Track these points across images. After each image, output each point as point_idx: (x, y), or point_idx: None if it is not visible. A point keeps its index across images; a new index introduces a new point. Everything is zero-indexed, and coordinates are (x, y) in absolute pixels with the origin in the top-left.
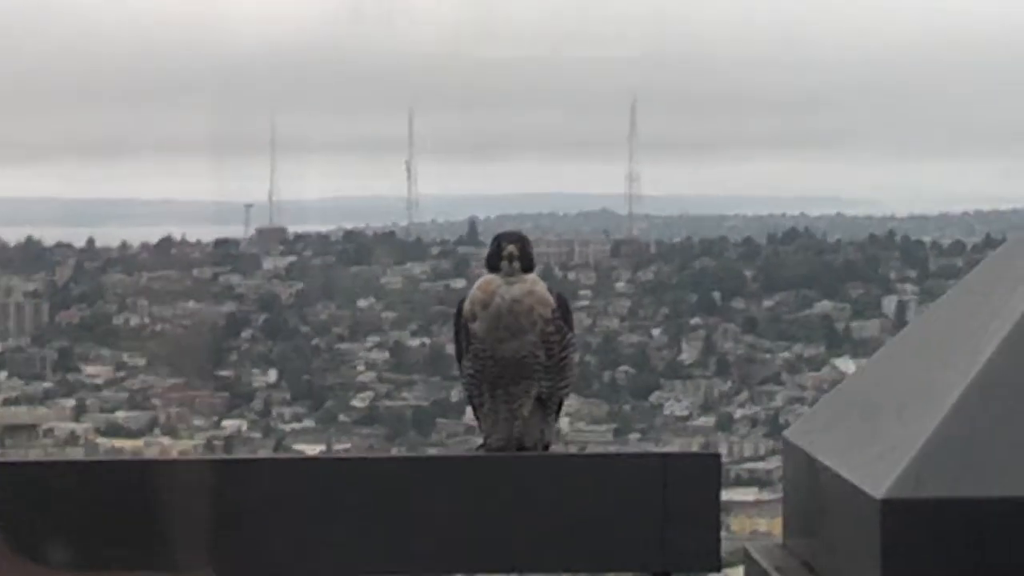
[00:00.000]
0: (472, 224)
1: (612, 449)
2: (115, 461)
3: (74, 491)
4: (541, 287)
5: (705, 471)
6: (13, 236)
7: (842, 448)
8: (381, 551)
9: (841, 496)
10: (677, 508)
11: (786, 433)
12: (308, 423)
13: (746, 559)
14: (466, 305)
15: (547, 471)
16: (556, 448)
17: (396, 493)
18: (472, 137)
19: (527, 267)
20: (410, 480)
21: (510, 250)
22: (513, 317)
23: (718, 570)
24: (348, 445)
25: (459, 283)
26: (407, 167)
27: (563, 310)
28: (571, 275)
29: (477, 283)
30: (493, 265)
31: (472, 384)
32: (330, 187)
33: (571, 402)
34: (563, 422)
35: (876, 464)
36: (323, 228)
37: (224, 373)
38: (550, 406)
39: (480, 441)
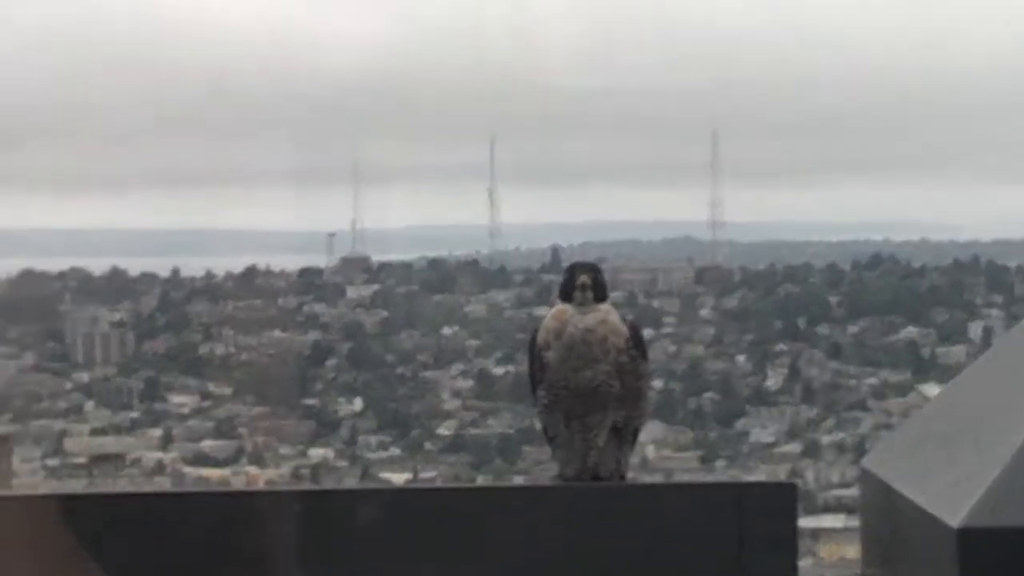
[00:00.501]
0: (555, 252)
1: (698, 478)
2: (203, 492)
3: (162, 522)
4: (614, 316)
5: (781, 500)
6: (99, 266)
7: (918, 476)
8: None
9: (918, 524)
10: (753, 537)
11: (864, 461)
12: (394, 451)
13: None
14: (540, 335)
15: (622, 500)
16: (638, 476)
17: (473, 522)
18: (554, 165)
19: (600, 297)
20: (488, 510)
21: (583, 280)
22: (586, 346)
23: None
24: (434, 473)
25: (542, 311)
26: (489, 195)
27: (636, 339)
28: (655, 302)
29: (550, 313)
30: (567, 295)
31: (547, 414)
32: (413, 215)
33: (656, 429)
34: (648, 449)
35: (952, 492)
36: (406, 256)
37: (310, 402)
38: (625, 435)
39: (556, 471)
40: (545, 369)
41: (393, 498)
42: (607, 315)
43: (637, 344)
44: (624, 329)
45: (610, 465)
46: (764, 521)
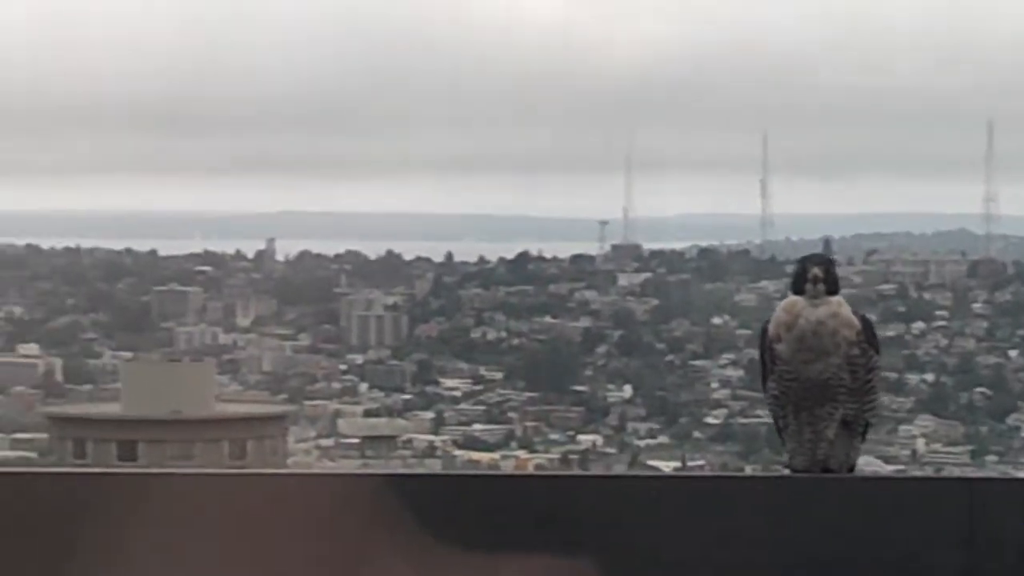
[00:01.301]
0: (826, 243)
1: (969, 472)
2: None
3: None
4: (846, 309)
5: (1016, 496)
6: (374, 250)
7: None
8: (686, 564)
9: None
10: (985, 533)
11: None
12: (662, 439)
13: None
14: (771, 327)
15: (851, 493)
16: (906, 470)
17: (704, 509)
18: (826, 156)
19: (832, 290)
20: (718, 497)
21: (815, 272)
22: (817, 339)
23: None
24: (702, 462)
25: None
26: (762, 185)
27: (868, 332)
28: (926, 295)
29: (781, 305)
30: (798, 287)
31: (777, 405)
32: (685, 204)
33: (927, 423)
34: (919, 443)
35: None
36: (678, 245)
37: (579, 388)
38: (855, 428)
39: (785, 461)
40: (776, 361)
41: (633, 485)
42: (839, 308)
43: (869, 337)
44: (856, 322)
45: (840, 457)
46: (997, 517)
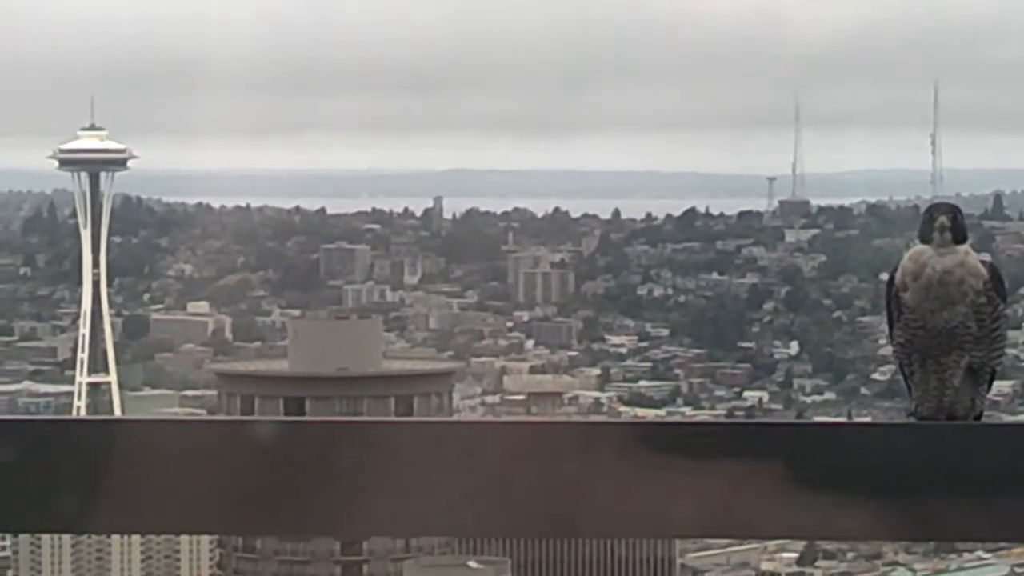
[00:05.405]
0: (997, 198)
1: None
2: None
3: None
4: (973, 258)
5: None
6: (541, 207)
7: None
8: (815, 515)
9: None
10: None
11: None
12: (829, 395)
13: None
14: (897, 275)
15: (977, 440)
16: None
17: (823, 458)
18: (998, 109)
19: (959, 238)
20: (840, 445)
21: (942, 221)
22: (944, 288)
23: None
24: (868, 418)
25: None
26: (932, 140)
27: (995, 281)
28: None
29: (908, 254)
30: (925, 236)
31: (903, 353)
32: (854, 160)
33: None
34: None
35: None
36: (846, 201)
37: (746, 345)
38: (981, 376)
39: (911, 409)
40: (902, 309)
41: (775, 432)
42: (965, 257)
43: (996, 286)
44: (983, 271)
45: (966, 405)
46: None
